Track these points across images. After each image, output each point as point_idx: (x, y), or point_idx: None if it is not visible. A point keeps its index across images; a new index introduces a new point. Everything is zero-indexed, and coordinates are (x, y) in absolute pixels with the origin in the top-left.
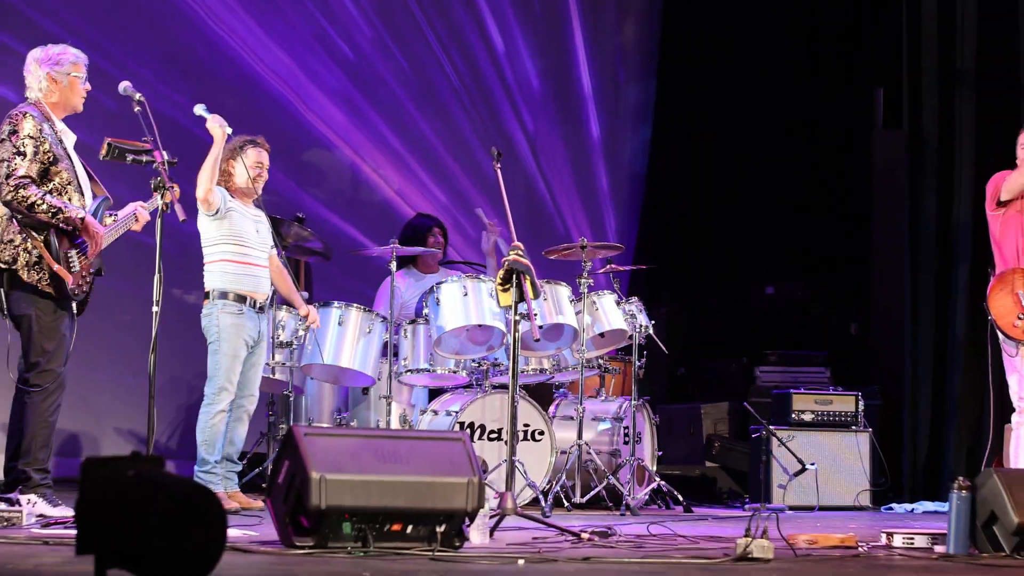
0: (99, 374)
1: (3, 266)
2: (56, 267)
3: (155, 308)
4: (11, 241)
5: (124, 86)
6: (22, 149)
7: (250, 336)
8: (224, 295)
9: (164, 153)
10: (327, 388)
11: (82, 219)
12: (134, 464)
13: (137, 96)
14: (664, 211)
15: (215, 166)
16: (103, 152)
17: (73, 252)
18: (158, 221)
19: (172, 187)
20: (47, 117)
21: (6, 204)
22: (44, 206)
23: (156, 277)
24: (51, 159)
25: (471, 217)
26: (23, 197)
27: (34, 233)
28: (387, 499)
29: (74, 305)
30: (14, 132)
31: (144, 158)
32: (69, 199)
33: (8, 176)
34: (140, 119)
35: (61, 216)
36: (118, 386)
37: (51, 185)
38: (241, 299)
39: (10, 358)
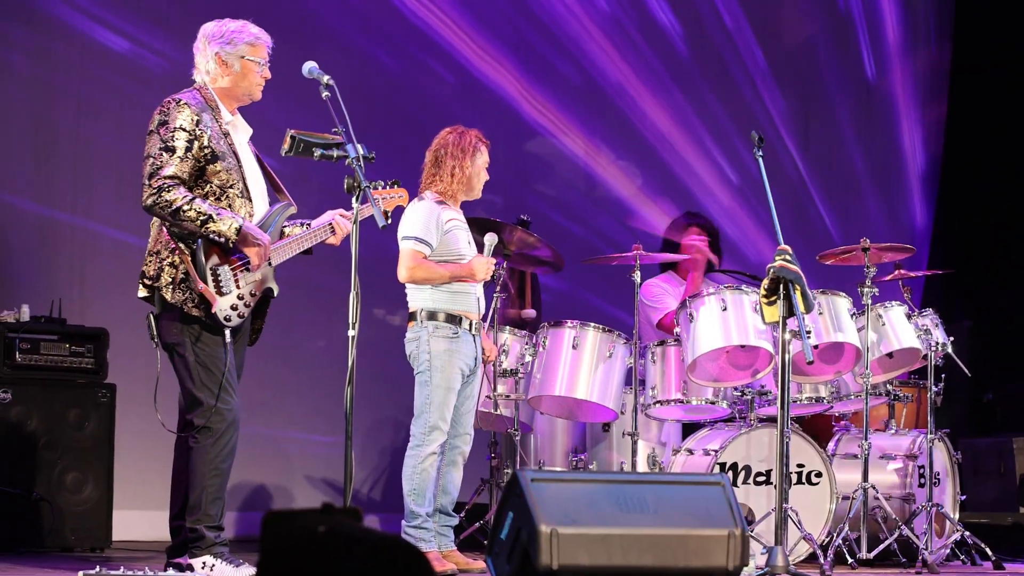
0: (288, 414)
1: (148, 282)
2: (201, 286)
3: (351, 332)
4: (157, 253)
5: (309, 67)
6: (172, 144)
7: (466, 364)
8: (433, 315)
9: (359, 147)
10: (560, 424)
11: (238, 229)
12: (325, 518)
13: (325, 79)
14: (965, 204)
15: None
16: (285, 146)
17: (225, 269)
18: (353, 227)
19: (370, 187)
20: (211, 105)
21: (147, 210)
22: (192, 212)
23: (352, 295)
24: (209, 156)
25: (746, 218)
26: (167, 201)
27: (182, 245)
28: (631, 557)
29: (228, 332)
30: (164, 123)
31: (335, 153)
32: (229, 205)
33: (151, 176)
34: (329, 106)
35: (212, 226)
36: (311, 427)
37: (207, 188)
38: (454, 319)
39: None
